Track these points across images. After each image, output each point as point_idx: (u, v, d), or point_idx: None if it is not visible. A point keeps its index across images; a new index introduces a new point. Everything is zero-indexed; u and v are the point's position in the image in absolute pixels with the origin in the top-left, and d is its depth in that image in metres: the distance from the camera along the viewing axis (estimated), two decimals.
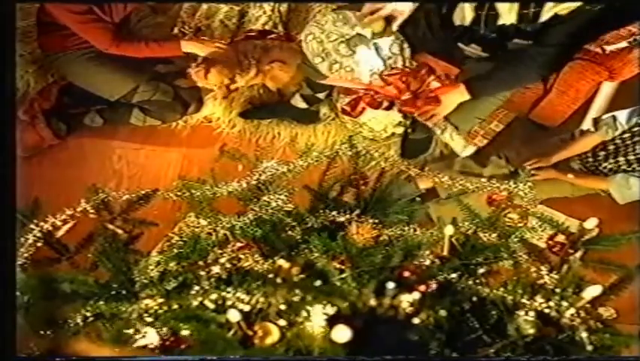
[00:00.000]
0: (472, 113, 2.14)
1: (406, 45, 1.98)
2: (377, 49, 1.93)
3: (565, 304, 0.87)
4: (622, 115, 2.00)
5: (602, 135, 2.04)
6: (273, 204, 1.31)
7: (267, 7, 2.48)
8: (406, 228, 1.25)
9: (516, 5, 1.71)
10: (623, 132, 1.99)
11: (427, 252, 1.06)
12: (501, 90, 2.04)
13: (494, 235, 1.20)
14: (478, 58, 2.01)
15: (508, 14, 1.75)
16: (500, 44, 1.88)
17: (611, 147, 2.03)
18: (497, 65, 1.91)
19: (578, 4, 1.62)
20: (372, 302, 0.80)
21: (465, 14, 1.85)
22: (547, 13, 1.68)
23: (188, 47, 2.20)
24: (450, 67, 2.10)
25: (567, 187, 2.12)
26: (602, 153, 2.07)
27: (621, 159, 2.01)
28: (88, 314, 0.90)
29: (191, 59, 2.28)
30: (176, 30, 2.55)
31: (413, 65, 2.00)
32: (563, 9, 1.65)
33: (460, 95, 1.93)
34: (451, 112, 2.00)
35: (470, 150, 2.26)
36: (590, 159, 2.11)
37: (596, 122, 2.08)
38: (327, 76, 2.03)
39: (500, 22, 1.78)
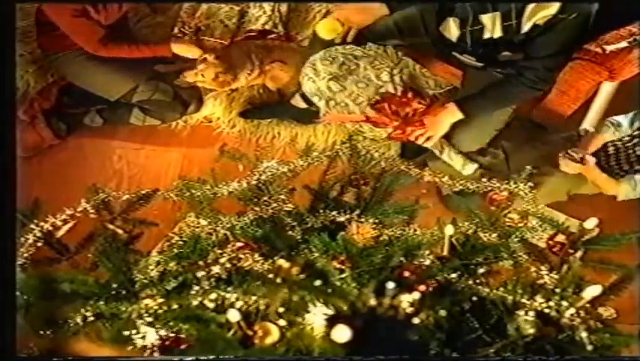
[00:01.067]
0: (481, 131, 2.13)
1: (396, 71, 1.98)
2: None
3: (565, 304, 0.87)
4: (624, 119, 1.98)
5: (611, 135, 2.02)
6: (273, 204, 1.31)
7: (267, 7, 2.48)
8: (406, 228, 1.25)
9: (498, 18, 1.71)
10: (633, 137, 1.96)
11: (427, 252, 1.06)
12: (497, 108, 2.02)
13: (494, 235, 1.20)
14: (476, 67, 2.00)
15: (492, 28, 1.75)
16: (491, 57, 1.88)
17: (611, 149, 2.02)
18: (491, 83, 1.91)
19: (552, 12, 1.62)
20: (372, 302, 0.80)
21: (451, 31, 1.85)
22: (527, 23, 1.68)
23: (177, 48, 2.20)
24: (454, 70, 2.10)
25: (564, 191, 2.10)
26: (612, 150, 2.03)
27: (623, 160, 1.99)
28: (88, 314, 0.90)
29: (192, 60, 2.27)
30: (176, 30, 2.54)
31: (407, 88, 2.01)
32: (540, 18, 1.65)
33: (451, 115, 1.93)
34: (454, 132, 2.01)
35: (471, 168, 2.25)
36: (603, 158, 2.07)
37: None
38: (325, 113, 2.06)
39: (487, 35, 1.77)
